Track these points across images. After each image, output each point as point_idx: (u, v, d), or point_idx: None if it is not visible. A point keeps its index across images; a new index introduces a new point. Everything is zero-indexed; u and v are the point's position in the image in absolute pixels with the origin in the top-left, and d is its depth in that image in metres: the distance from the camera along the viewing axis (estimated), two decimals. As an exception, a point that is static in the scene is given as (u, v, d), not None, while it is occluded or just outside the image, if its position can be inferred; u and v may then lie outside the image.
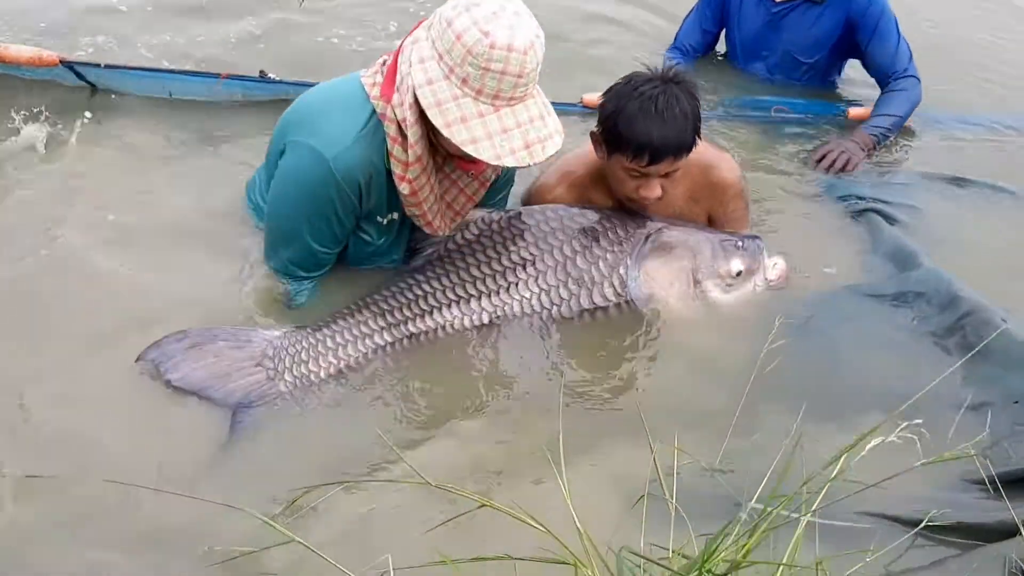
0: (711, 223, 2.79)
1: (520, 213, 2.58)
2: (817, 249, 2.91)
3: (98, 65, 3.18)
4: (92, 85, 3.25)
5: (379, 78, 2.28)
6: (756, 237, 2.68)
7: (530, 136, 2.16)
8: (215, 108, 3.24)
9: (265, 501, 1.93)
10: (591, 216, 2.58)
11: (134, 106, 3.20)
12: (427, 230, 2.45)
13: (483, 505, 1.58)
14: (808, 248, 2.90)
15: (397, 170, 2.28)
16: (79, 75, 3.19)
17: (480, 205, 2.60)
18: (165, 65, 3.39)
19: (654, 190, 2.50)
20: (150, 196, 2.82)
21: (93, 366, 2.24)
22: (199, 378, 2.19)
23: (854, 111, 3.68)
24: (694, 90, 2.47)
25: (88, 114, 3.13)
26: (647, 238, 2.55)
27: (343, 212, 2.35)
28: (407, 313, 2.42)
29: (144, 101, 3.22)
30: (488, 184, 2.54)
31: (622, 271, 2.51)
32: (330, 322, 2.39)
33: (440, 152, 2.33)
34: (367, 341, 2.37)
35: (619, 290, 2.51)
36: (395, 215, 2.45)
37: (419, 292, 2.44)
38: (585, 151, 2.70)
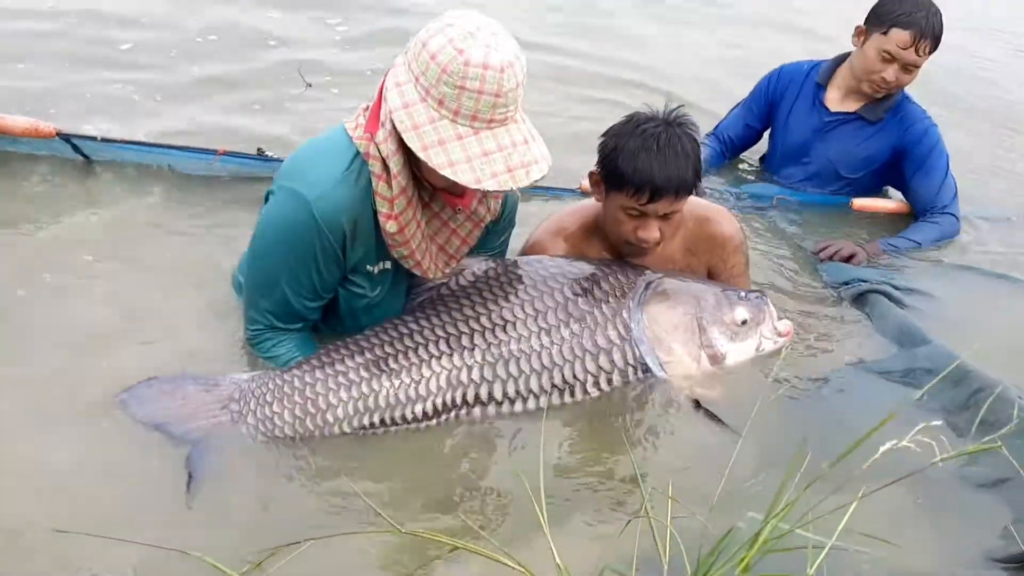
0: (711, 278, 2.74)
1: (517, 261, 2.53)
2: (820, 327, 2.85)
3: (94, 138, 3.20)
4: (87, 157, 3.26)
5: (362, 120, 2.23)
6: (759, 292, 2.62)
7: (513, 160, 2.08)
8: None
9: (228, 554, 1.81)
10: (590, 265, 2.53)
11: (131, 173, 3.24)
12: (417, 272, 2.36)
13: (455, 548, 1.47)
14: (811, 326, 2.83)
15: (383, 208, 2.20)
16: (75, 148, 3.21)
17: (479, 250, 2.53)
18: (163, 140, 3.40)
19: (652, 231, 2.46)
20: (140, 252, 2.83)
21: (60, 410, 2.23)
22: (164, 419, 2.18)
23: (859, 202, 3.63)
24: (695, 132, 2.47)
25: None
26: (648, 285, 2.49)
27: (324, 262, 2.26)
28: (387, 350, 2.30)
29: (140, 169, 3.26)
30: (482, 224, 2.46)
31: (625, 315, 2.42)
32: (302, 363, 2.31)
33: (427, 189, 2.28)
34: (339, 379, 2.26)
35: (623, 333, 2.41)
36: (387, 264, 2.36)
37: (403, 331, 2.34)
38: (577, 206, 2.67)
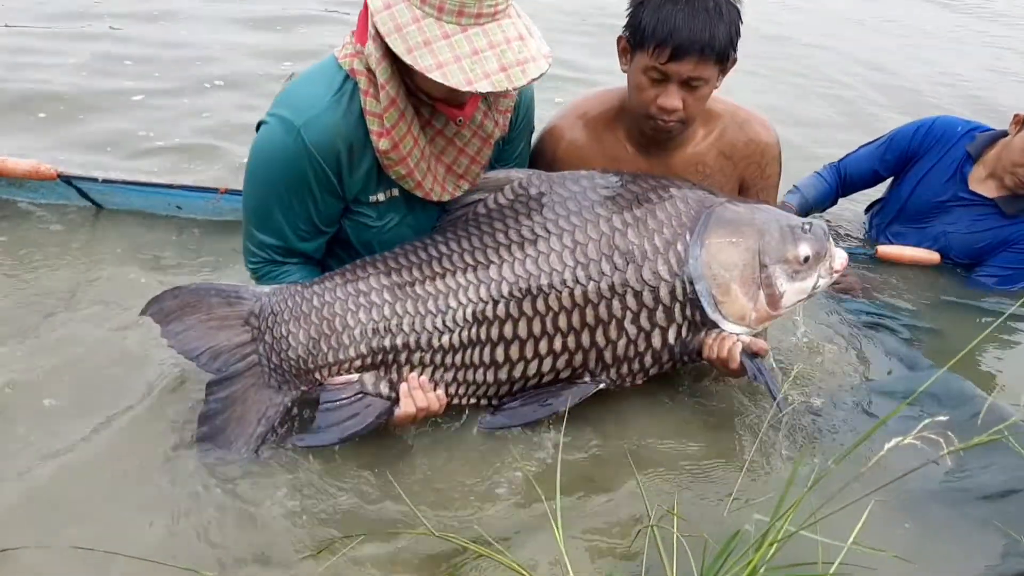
0: (742, 189, 2.65)
1: (566, 177, 2.35)
2: (822, 352, 2.87)
3: (95, 179, 3.21)
4: (97, 204, 3.29)
5: (349, 40, 2.15)
6: (820, 222, 2.43)
7: (507, 58, 1.95)
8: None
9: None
10: (648, 183, 2.36)
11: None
12: (419, 194, 2.25)
13: (480, 555, 1.50)
14: (812, 353, 2.85)
15: (374, 126, 2.11)
16: (81, 192, 3.24)
17: (497, 160, 2.45)
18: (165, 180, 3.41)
19: (673, 98, 2.32)
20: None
21: (72, 433, 2.23)
22: (189, 337, 2.19)
23: (884, 250, 3.44)
24: (736, 2, 2.33)
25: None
26: (711, 212, 2.32)
27: (319, 191, 2.18)
28: (415, 274, 2.20)
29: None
30: (491, 141, 2.33)
31: (680, 247, 2.28)
32: (324, 278, 2.25)
33: (427, 106, 2.17)
34: (360, 299, 2.19)
35: (675, 268, 2.27)
36: (394, 191, 2.27)
37: (433, 253, 2.23)
38: (600, 91, 2.59)
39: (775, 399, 2.20)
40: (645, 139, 2.53)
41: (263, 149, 2.19)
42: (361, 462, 2.18)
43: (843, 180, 3.63)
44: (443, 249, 2.24)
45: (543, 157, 2.62)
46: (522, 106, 2.45)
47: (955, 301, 3.34)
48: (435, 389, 2.20)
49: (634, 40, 2.34)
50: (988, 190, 3.32)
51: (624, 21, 2.40)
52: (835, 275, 2.42)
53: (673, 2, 2.26)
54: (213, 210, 3.26)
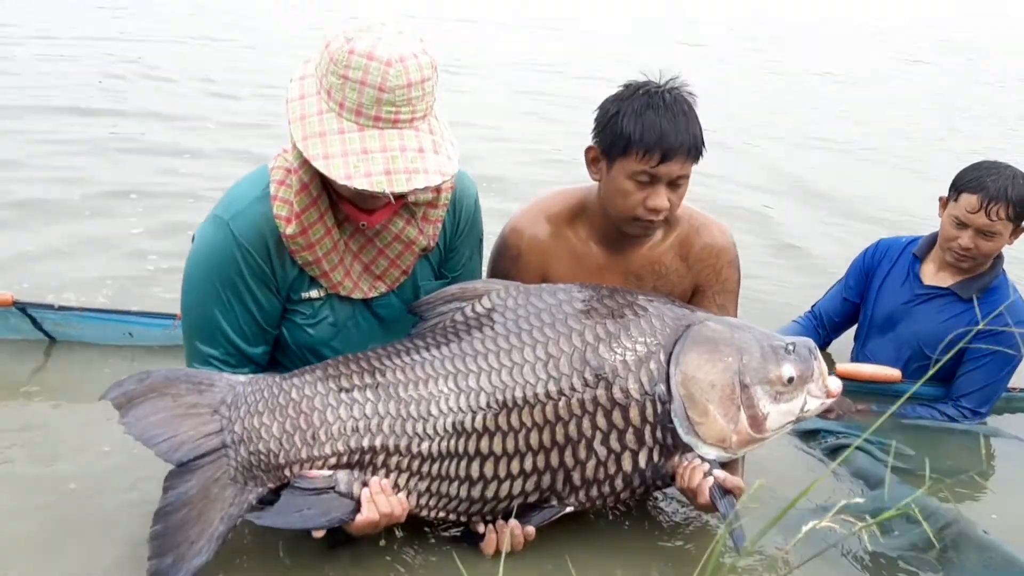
0: (696, 294, 2.72)
1: (543, 289, 2.40)
2: (787, 473, 2.89)
3: (52, 307, 3.28)
4: (50, 336, 3.33)
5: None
6: (806, 340, 2.43)
7: (395, 164, 2.03)
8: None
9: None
10: (624, 299, 2.40)
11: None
12: (325, 284, 2.33)
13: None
14: (778, 473, 2.88)
15: (283, 212, 2.21)
16: (35, 323, 3.28)
17: (444, 266, 2.54)
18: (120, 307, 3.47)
19: (662, 199, 2.42)
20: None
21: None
22: (151, 424, 2.13)
23: (843, 368, 3.46)
24: (693, 98, 2.49)
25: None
26: (687, 329, 2.34)
27: (254, 283, 2.25)
28: (398, 376, 2.22)
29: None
30: (414, 247, 2.42)
31: (653, 366, 2.29)
32: (304, 371, 2.25)
33: (344, 203, 2.25)
34: (342, 396, 2.19)
35: (647, 387, 2.27)
36: (328, 290, 2.36)
37: (416, 358, 2.26)
38: (559, 190, 2.69)
39: (737, 548, 2.21)
40: (609, 237, 2.63)
41: (197, 250, 2.30)
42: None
43: (821, 321, 3.81)
44: (424, 355, 2.26)
45: (507, 254, 2.70)
46: (462, 216, 2.53)
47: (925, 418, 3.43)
48: (399, 494, 2.21)
49: (615, 148, 2.45)
50: (942, 280, 3.47)
51: (591, 133, 2.54)
52: (830, 398, 2.40)
53: (653, 109, 2.41)
54: (166, 337, 3.31)
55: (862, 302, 3.71)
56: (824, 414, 3.28)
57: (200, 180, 5.17)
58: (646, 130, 2.38)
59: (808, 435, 3.22)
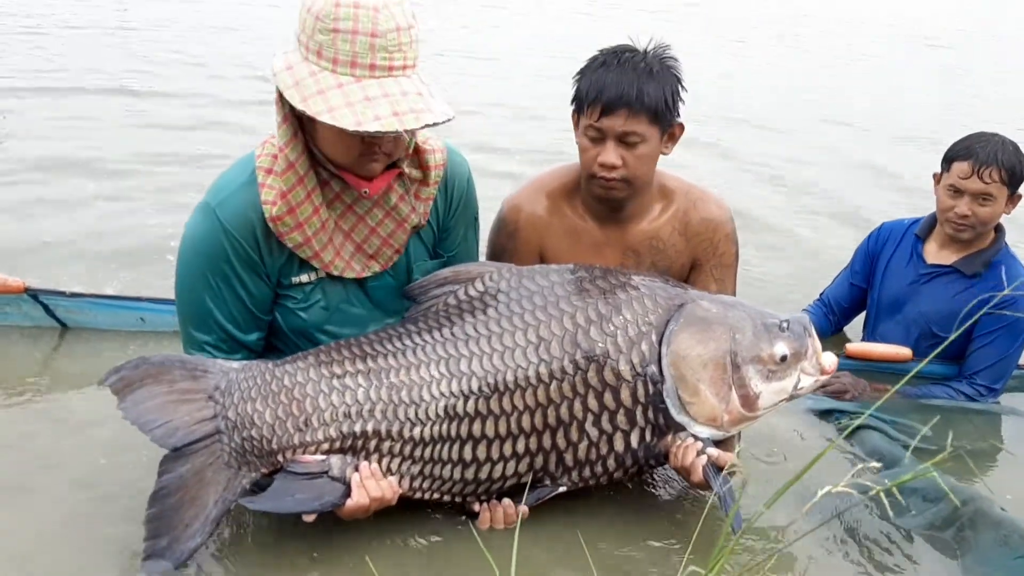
0: (694, 269, 2.73)
1: (536, 271, 2.41)
2: (800, 452, 2.89)
3: (64, 293, 3.32)
4: (61, 323, 3.36)
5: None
6: (801, 317, 2.42)
7: (400, 106, 2.05)
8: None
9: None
10: (616, 279, 2.41)
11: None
12: (317, 265, 2.34)
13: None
14: (791, 455, 2.88)
15: (270, 196, 2.23)
16: (47, 308, 3.31)
17: (441, 247, 2.57)
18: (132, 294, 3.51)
19: (609, 155, 2.48)
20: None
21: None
22: (146, 409, 2.17)
23: (852, 348, 3.52)
24: (674, 63, 2.54)
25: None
26: (680, 308, 2.35)
27: (242, 268, 2.29)
28: (390, 362, 2.24)
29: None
30: (406, 225, 2.43)
31: (644, 347, 2.31)
32: (296, 357, 2.28)
33: (339, 181, 2.29)
34: (334, 382, 2.22)
35: (638, 368, 2.29)
36: (320, 273, 2.38)
37: (407, 343, 2.28)
38: (558, 166, 2.75)
39: (734, 530, 2.17)
40: (602, 210, 2.67)
41: (186, 238, 2.34)
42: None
43: (830, 308, 3.83)
44: (416, 340, 2.29)
45: (504, 229, 2.75)
46: (454, 193, 2.55)
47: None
48: (391, 477, 2.23)
49: (576, 107, 2.57)
50: (945, 258, 3.49)
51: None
52: (824, 376, 2.40)
53: (605, 66, 2.49)
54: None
55: (869, 286, 3.73)
56: (839, 395, 3.30)
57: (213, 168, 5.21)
58: (591, 85, 2.47)
59: (823, 416, 3.21)
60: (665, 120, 2.52)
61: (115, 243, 4.21)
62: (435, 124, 2.09)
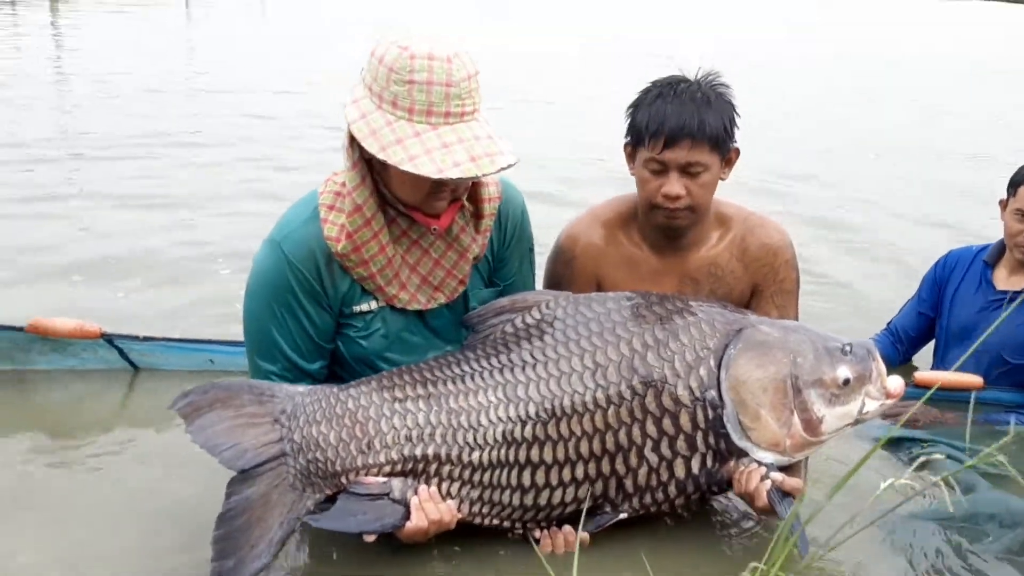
0: (754, 296, 2.71)
1: (592, 299, 2.43)
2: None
3: (136, 337, 3.41)
4: (134, 365, 3.46)
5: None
6: (865, 342, 2.39)
7: (476, 150, 2.13)
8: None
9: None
10: (674, 305, 2.40)
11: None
12: (381, 299, 2.41)
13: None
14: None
15: (333, 233, 2.31)
16: (121, 353, 3.41)
17: (497, 276, 2.60)
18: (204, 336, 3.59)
19: (673, 186, 2.48)
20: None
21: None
22: (215, 433, 2.22)
23: (921, 376, 3.36)
24: (727, 90, 2.55)
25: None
26: (738, 333, 2.34)
27: (307, 300, 2.35)
28: (449, 387, 2.28)
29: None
30: (468, 255, 2.47)
31: (703, 372, 2.29)
32: (360, 382, 2.33)
33: (405, 218, 2.35)
34: (396, 406, 2.26)
35: (697, 394, 2.27)
36: (380, 301, 2.44)
37: (465, 369, 2.31)
38: (614, 197, 2.78)
39: (800, 555, 2.16)
40: (660, 238, 2.67)
41: (254, 272, 2.42)
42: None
43: (898, 337, 3.78)
44: (475, 366, 2.32)
45: (561, 258, 2.76)
46: (508, 224, 2.59)
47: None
48: (451, 501, 2.26)
49: (634, 140, 2.58)
50: (1015, 284, 3.43)
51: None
52: (890, 400, 2.33)
53: (663, 98, 2.50)
54: (246, 363, 3.37)
55: (937, 314, 3.67)
56: (911, 424, 3.24)
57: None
58: (652, 118, 2.48)
59: (894, 444, 3.15)
60: (724, 147, 2.53)
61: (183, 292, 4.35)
62: (509, 167, 2.17)
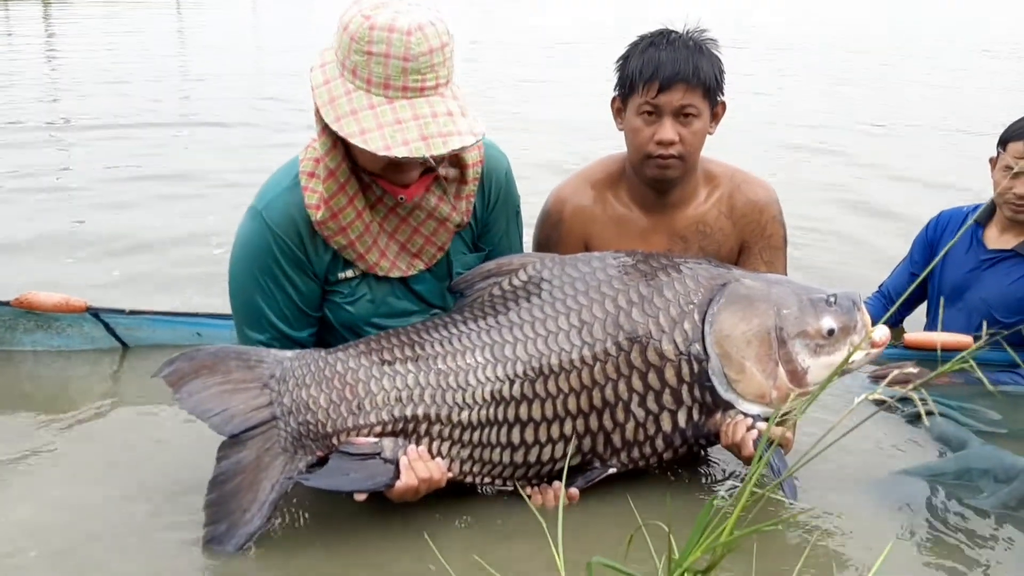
0: (742, 252, 2.73)
1: (578, 259, 2.45)
2: (866, 437, 2.81)
3: (123, 311, 3.40)
4: (123, 343, 3.43)
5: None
6: (850, 292, 2.39)
7: (429, 129, 2.10)
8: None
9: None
10: (658, 262, 2.43)
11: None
12: (362, 267, 2.40)
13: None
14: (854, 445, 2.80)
15: (313, 200, 2.29)
16: (107, 326, 3.39)
17: (482, 240, 2.59)
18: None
19: (668, 131, 2.51)
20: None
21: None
22: (203, 398, 2.23)
23: (911, 338, 3.37)
24: (714, 44, 2.59)
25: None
26: (722, 287, 2.36)
27: (290, 268, 2.35)
28: (437, 349, 2.30)
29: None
30: (447, 223, 2.45)
31: (687, 326, 2.32)
32: (348, 346, 2.34)
33: (376, 186, 2.32)
34: (385, 368, 2.27)
35: (682, 348, 2.30)
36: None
37: (453, 331, 2.33)
38: (601, 157, 2.80)
39: (788, 500, 2.18)
40: (649, 197, 2.69)
41: (238, 242, 2.42)
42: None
43: (890, 299, 3.75)
44: (462, 328, 2.34)
45: (549, 220, 2.78)
46: (492, 188, 2.57)
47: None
48: (440, 460, 2.26)
49: (625, 90, 2.60)
50: (1006, 243, 3.40)
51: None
52: (875, 349, 2.36)
53: (655, 45, 2.55)
54: (233, 336, 3.35)
55: (930, 276, 3.63)
56: (903, 384, 3.20)
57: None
58: (646, 63, 2.52)
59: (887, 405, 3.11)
60: (714, 96, 2.58)
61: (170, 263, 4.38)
62: (462, 149, 2.15)
